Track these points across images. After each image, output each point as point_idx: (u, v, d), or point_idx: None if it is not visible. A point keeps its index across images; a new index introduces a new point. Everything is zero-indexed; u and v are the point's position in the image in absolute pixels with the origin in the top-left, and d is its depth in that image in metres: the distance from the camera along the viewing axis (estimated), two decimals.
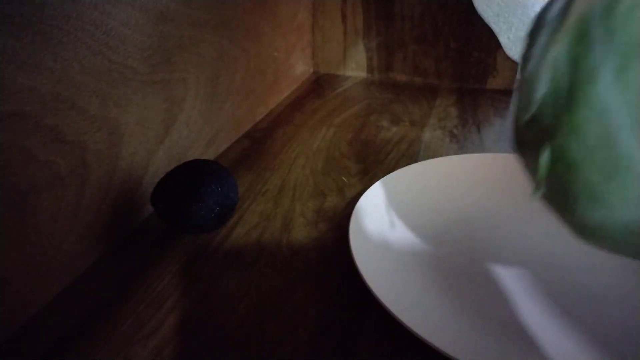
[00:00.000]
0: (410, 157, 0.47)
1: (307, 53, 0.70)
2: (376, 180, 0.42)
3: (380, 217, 0.35)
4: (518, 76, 0.24)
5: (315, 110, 0.59)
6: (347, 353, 0.26)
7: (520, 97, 0.23)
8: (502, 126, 0.53)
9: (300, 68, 0.68)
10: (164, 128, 0.38)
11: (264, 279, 0.31)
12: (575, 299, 0.28)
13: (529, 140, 0.23)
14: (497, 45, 0.63)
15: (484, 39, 0.63)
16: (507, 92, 0.64)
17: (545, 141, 0.21)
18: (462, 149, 0.48)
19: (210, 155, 0.46)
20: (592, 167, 0.20)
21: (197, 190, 0.32)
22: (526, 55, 0.23)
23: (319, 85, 0.67)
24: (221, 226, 0.36)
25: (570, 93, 0.20)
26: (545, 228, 0.35)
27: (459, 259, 0.32)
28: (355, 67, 0.71)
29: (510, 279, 0.30)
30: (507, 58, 0.64)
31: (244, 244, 0.35)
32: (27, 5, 0.25)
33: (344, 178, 0.43)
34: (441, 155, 0.47)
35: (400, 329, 0.27)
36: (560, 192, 0.22)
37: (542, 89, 0.21)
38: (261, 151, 0.48)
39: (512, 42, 0.60)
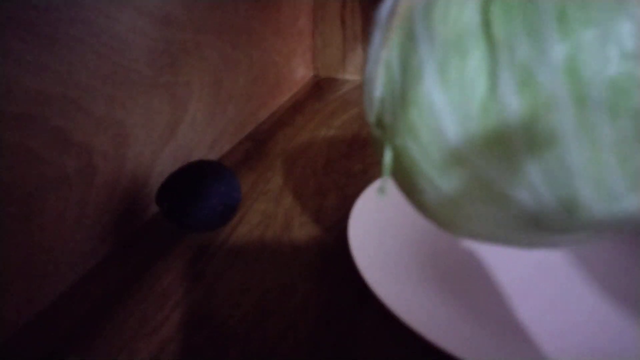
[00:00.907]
0: None
1: (307, 57, 0.69)
2: (375, 180, 0.41)
3: (379, 216, 0.34)
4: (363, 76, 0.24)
5: (316, 112, 0.58)
6: (347, 349, 0.25)
7: (364, 97, 0.23)
8: None
9: (301, 72, 0.67)
10: (169, 130, 0.38)
11: (265, 277, 0.31)
12: (573, 295, 0.28)
13: (377, 137, 0.23)
14: None
15: None
16: None
17: (388, 140, 0.22)
18: None
19: (213, 156, 0.46)
20: (429, 164, 0.20)
21: (201, 190, 0.32)
22: (367, 55, 0.23)
23: (319, 88, 0.67)
24: (224, 225, 0.35)
25: (402, 94, 0.20)
26: None
27: (458, 258, 0.31)
28: (354, 71, 0.70)
29: (510, 277, 0.30)
30: None
31: (246, 242, 0.34)
32: (34, 9, 0.25)
33: (343, 178, 0.42)
34: None
35: (399, 326, 0.27)
36: (404, 183, 0.23)
37: (379, 90, 0.21)
38: (263, 152, 0.48)
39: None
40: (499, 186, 0.19)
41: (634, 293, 0.28)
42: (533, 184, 0.18)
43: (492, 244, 0.24)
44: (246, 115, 0.51)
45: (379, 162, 0.45)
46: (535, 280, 0.29)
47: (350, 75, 0.71)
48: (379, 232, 0.33)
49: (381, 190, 0.23)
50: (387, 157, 0.22)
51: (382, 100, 0.21)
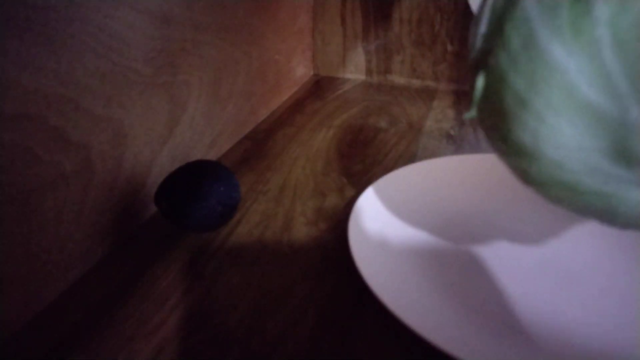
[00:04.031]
0: (409, 157, 0.47)
1: (307, 56, 0.69)
2: (375, 180, 0.42)
3: (379, 216, 0.34)
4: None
5: (315, 112, 0.58)
6: (346, 350, 0.26)
7: (470, 40, 0.25)
8: None
9: (301, 71, 0.68)
10: (168, 129, 0.38)
11: (265, 277, 0.31)
12: (573, 297, 0.28)
13: (473, 77, 0.24)
14: None
15: None
16: None
17: (482, 67, 0.23)
18: (459, 150, 0.48)
19: (212, 155, 0.46)
20: (517, 73, 0.21)
21: (200, 190, 0.32)
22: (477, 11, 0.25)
23: (319, 87, 0.67)
24: (223, 225, 0.35)
25: (501, 17, 0.22)
26: (542, 227, 0.35)
27: (454, 256, 0.32)
28: (355, 70, 0.70)
29: (508, 278, 0.30)
30: None
31: (245, 243, 0.34)
32: (31, 8, 0.25)
33: (343, 178, 0.43)
34: (439, 156, 0.47)
35: (399, 326, 0.27)
36: (494, 111, 0.23)
37: (483, 28, 0.23)
38: (262, 152, 0.48)
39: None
40: (586, 93, 0.19)
41: (634, 294, 0.28)
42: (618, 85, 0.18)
43: (575, 199, 0.23)
44: (245, 115, 0.52)
45: (379, 162, 0.46)
46: (535, 280, 0.29)
47: (351, 74, 0.71)
48: (379, 232, 0.33)
49: (471, 114, 0.24)
50: (479, 82, 0.23)
51: (485, 36, 0.23)
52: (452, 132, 0.52)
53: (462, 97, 0.63)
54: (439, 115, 0.57)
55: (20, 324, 0.27)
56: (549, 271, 0.30)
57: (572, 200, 0.23)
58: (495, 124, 0.23)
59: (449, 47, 0.64)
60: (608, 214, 0.22)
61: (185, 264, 0.32)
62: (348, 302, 0.29)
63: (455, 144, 0.49)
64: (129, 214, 0.35)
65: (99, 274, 0.31)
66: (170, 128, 0.39)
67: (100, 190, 0.32)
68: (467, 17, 0.62)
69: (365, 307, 0.28)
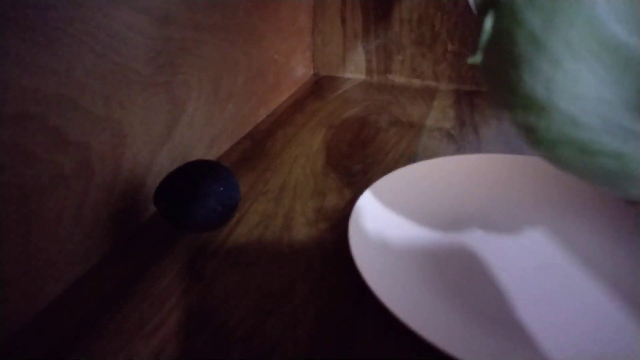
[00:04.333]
0: (409, 157, 0.47)
1: (307, 56, 0.69)
2: (375, 180, 0.42)
3: (379, 216, 0.34)
4: None
5: (316, 111, 0.58)
6: (346, 350, 0.26)
7: None
8: (498, 127, 0.53)
9: (301, 70, 0.68)
10: (167, 129, 0.38)
11: (265, 277, 0.31)
12: (573, 297, 0.28)
13: (480, 19, 0.21)
14: None
15: None
16: None
17: (492, 6, 0.20)
18: (459, 150, 0.48)
19: (212, 155, 0.46)
20: (534, 9, 0.18)
21: (199, 190, 0.32)
22: None
23: (319, 87, 0.67)
24: (223, 225, 0.35)
25: None
26: (543, 227, 0.35)
27: (455, 257, 0.32)
28: (355, 70, 0.70)
29: (509, 278, 0.30)
30: None
31: (245, 243, 0.34)
32: (31, 8, 0.25)
33: (343, 178, 0.43)
34: (439, 156, 0.47)
35: (399, 326, 0.27)
36: (503, 56, 0.20)
37: None
38: (262, 152, 0.48)
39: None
40: (614, 30, 0.16)
41: (635, 294, 0.28)
42: None
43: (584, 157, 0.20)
44: (245, 115, 0.52)
45: (379, 162, 0.46)
46: (535, 281, 0.29)
47: (351, 74, 0.71)
48: (379, 233, 0.33)
49: (476, 58, 0.21)
50: (487, 23, 0.20)
51: None
52: (452, 132, 0.52)
53: (462, 97, 0.63)
54: (440, 115, 0.57)
55: (20, 324, 0.27)
56: (549, 271, 0.30)
57: (583, 163, 0.20)
58: (503, 71, 0.21)
59: (450, 47, 0.64)
60: (622, 180, 0.20)
61: (185, 264, 0.32)
62: (348, 303, 0.29)
63: (456, 144, 0.49)
64: (129, 214, 0.35)
65: (98, 274, 0.31)
66: (170, 128, 0.39)
67: (100, 191, 0.32)
68: (467, 16, 0.62)
69: (365, 307, 0.28)
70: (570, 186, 0.38)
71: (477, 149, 0.48)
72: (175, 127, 0.39)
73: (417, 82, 0.68)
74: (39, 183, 0.27)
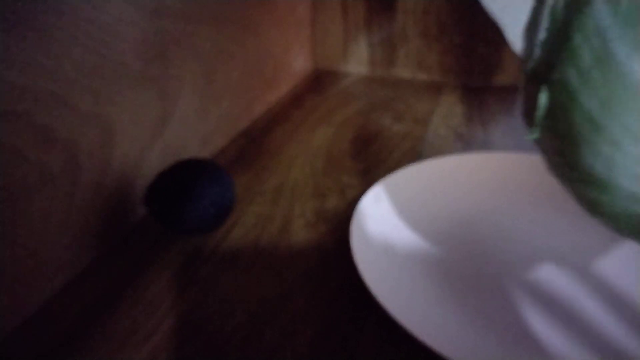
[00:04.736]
0: (414, 156, 0.47)
1: (306, 48, 0.70)
2: (378, 180, 0.42)
3: (382, 218, 0.35)
4: (523, 39, 0.24)
5: (315, 107, 0.59)
6: (347, 358, 0.26)
7: (523, 47, 0.23)
8: (508, 124, 0.53)
9: (300, 64, 0.68)
10: (158, 126, 0.38)
11: (262, 283, 0.31)
12: (579, 300, 0.28)
13: (532, 89, 0.22)
14: (503, 40, 0.63)
15: (489, 34, 0.63)
16: (513, 89, 0.64)
17: (545, 81, 0.21)
18: (467, 148, 0.48)
19: (206, 154, 0.46)
20: (589, 92, 0.19)
21: (192, 191, 0.32)
22: (530, 16, 0.24)
23: (319, 81, 0.67)
24: (218, 228, 0.36)
25: (565, 24, 0.20)
26: (551, 228, 0.35)
27: (462, 261, 0.32)
28: (357, 63, 0.71)
29: (515, 281, 0.30)
30: (513, 54, 0.64)
31: (241, 246, 0.35)
32: (19, 0, 0.25)
33: (344, 178, 0.43)
34: (445, 154, 0.47)
35: (402, 332, 0.27)
36: (560, 133, 0.21)
37: (542, 34, 0.21)
38: (259, 150, 0.48)
39: (519, 38, 0.60)
40: None
41: (635, 295, 0.29)
42: None
43: None
44: (241, 111, 0.52)
45: (383, 161, 0.46)
46: (537, 286, 0.30)
47: (352, 68, 0.71)
48: (383, 236, 0.33)
49: (534, 135, 0.22)
50: (543, 99, 0.21)
51: (545, 44, 0.21)
52: (459, 130, 0.52)
53: (470, 92, 0.63)
54: (446, 112, 0.57)
55: (6, 331, 0.27)
56: (556, 273, 0.30)
57: None
58: (560, 147, 0.22)
59: (457, 39, 0.65)
60: None
61: (178, 269, 0.32)
62: (349, 310, 0.29)
63: (464, 142, 0.49)
64: (119, 216, 0.35)
65: (87, 279, 0.32)
66: (161, 125, 0.39)
67: (88, 191, 0.32)
68: (475, 7, 0.63)
69: (367, 315, 0.29)
70: None
71: (486, 147, 0.48)
72: (166, 123, 0.39)
73: (422, 77, 0.68)
74: (26, 183, 0.27)
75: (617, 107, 0.19)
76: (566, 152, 0.22)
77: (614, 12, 0.18)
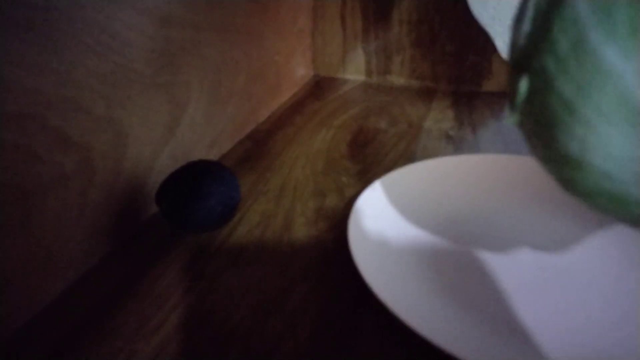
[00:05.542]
0: (408, 157, 0.47)
1: (307, 57, 0.69)
2: (375, 181, 0.42)
3: (378, 216, 0.34)
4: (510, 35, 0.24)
5: (315, 112, 0.58)
6: (347, 349, 0.26)
7: (510, 39, 0.23)
8: (496, 127, 0.53)
9: (301, 71, 0.68)
10: (168, 129, 0.38)
11: (265, 277, 0.31)
12: (572, 296, 0.28)
13: (515, 78, 0.22)
14: (493, 48, 0.63)
15: (480, 42, 0.63)
16: (502, 95, 0.63)
17: (526, 69, 0.21)
18: (458, 150, 0.48)
19: (213, 156, 0.46)
20: (565, 78, 0.19)
21: (200, 190, 0.32)
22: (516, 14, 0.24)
23: (319, 88, 0.67)
24: (224, 225, 0.35)
25: (547, 15, 0.20)
26: (542, 227, 0.34)
27: (453, 256, 0.32)
28: (354, 71, 0.70)
29: (509, 278, 0.30)
30: (503, 61, 0.63)
31: (245, 243, 0.34)
32: (32, 8, 0.25)
33: (343, 178, 0.43)
34: (438, 156, 0.47)
35: (399, 326, 0.27)
36: (538, 117, 0.21)
37: (526, 26, 0.21)
38: (263, 152, 0.48)
39: (508, 46, 0.60)
40: None
41: (635, 294, 0.28)
42: None
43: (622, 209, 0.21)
44: (246, 115, 0.52)
45: (379, 162, 0.46)
46: (535, 280, 0.29)
47: (351, 75, 0.71)
48: (379, 232, 0.33)
49: (513, 119, 0.22)
50: (523, 85, 0.21)
51: (529, 35, 0.21)
52: (451, 133, 0.52)
53: (461, 98, 0.63)
54: (439, 116, 0.57)
55: (20, 324, 0.27)
56: (549, 271, 0.30)
57: (619, 211, 0.22)
58: (538, 130, 0.22)
59: (448, 48, 0.64)
60: None
61: (185, 264, 0.32)
62: (348, 302, 0.29)
63: (455, 144, 0.49)
64: (130, 214, 0.35)
65: (99, 274, 0.31)
66: (171, 128, 0.38)
67: (101, 191, 0.32)
68: (466, 17, 0.62)
69: (365, 307, 0.28)
70: None
71: (476, 149, 0.48)
72: (176, 127, 0.39)
73: (416, 83, 0.68)
74: (40, 183, 0.27)
75: (592, 91, 0.19)
76: (543, 134, 0.22)
77: (591, 2, 0.18)
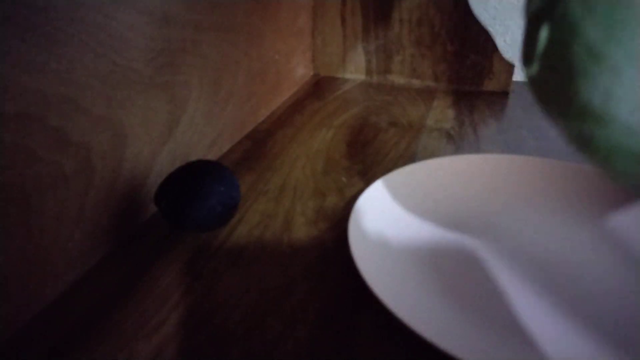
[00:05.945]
0: (408, 157, 0.47)
1: (307, 56, 0.69)
2: (375, 180, 0.42)
3: (378, 216, 0.34)
4: None
5: (315, 112, 0.58)
6: (346, 349, 0.26)
7: (526, 2, 0.22)
8: (497, 127, 0.53)
9: (301, 71, 0.68)
10: (168, 129, 0.38)
11: (265, 277, 0.31)
12: (572, 296, 0.28)
13: (533, 30, 0.21)
14: (493, 48, 0.63)
15: (481, 42, 0.63)
16: (502, 94, 0.63)
17: (547, 18, 0.20)
18: (458, 150, 0.48)
19: (213, 155, 0.46)
20: (591, 21, 0.18)
21: (200, 190, 0.32)
22: None
23: (319, 87, 0.67)
24: (223, 225, 0.35)
25: None
26: (542, 227, 0.34)
27: (457, 257, 0.32)
28: (355, 70, 0.70)
29: (508, 278, 0.30)
30: (503, 61, 0.63)
31: (245, 243, 0.34)
32: (31, 8, 0.25)
33: (343, 178, 0.43)
34: (438, 156, 0.47)
35: (398, 325, 0.27)
36: (558, 68, 0.20)
37: None
38: (263, 152, 0.48)
39: (509, 45, 0.60)
40: None
41: (634, 294, 0.28)
42: None
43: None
44: (245, 115, 0.52)
45: (379, 162, 0.46)
46: (535, 280, 0.29)
47: (351, 74, 0.71)
48: (379, 232, 0.33)
49: (532, 70, 0.21)
50: (543, 35, 0.20)
51: None
52: (452, 132, 0.52)
53: (461, 97, 0.63)
54: (439, 115, 0.57)
55: (19, 324, 0.27)
56: (549, 271, 0.30)
57: (638, 174, 0.20)
58: (557, 82, 0.20)
59: (449, 47, 0.64)
60: None
61: (185, 264, 0.32)
62: (348, 302, 0.29)
63: (455, 144, 0.49)
64: (129, 214, 0.35)
65: (99, 274, 0.31)
66: (171, 128, 0.38)
67: (101, 190, 0.32)
68: (467, 17, 0.62)
69: (365, 307, 0.28)
70: (568, 186, 0.38)
71: (476, 149, 0.48)
72: (175, 127, 0.39)
73: (416, 83, 0.68)
74: (40, 183, 0.27)
75: (622, 35, 0.17)
76: (562, 86, 0.20)
77: None
